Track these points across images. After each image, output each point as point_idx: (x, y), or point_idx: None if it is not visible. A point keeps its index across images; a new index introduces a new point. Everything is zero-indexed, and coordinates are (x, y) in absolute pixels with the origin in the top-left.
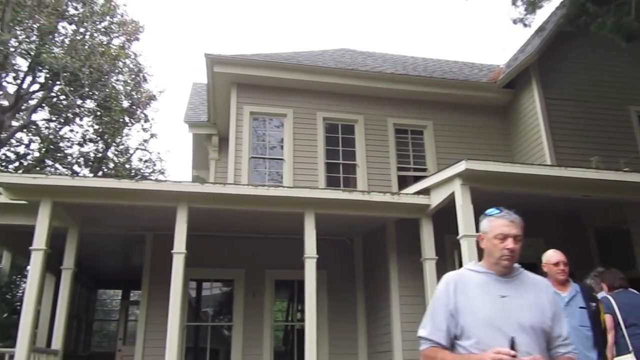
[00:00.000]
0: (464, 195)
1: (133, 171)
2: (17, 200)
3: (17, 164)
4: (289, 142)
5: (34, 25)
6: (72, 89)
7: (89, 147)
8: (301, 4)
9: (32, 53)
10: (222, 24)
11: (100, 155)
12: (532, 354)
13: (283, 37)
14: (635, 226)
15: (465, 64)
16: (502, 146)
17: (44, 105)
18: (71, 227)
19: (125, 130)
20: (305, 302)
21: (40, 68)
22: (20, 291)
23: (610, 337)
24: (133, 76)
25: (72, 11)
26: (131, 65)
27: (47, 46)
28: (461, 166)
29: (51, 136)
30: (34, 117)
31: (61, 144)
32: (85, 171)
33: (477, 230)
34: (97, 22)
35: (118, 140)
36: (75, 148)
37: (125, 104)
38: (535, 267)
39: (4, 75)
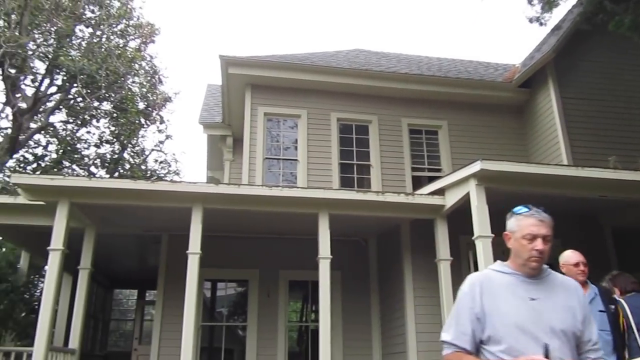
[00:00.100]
0: (479, 195)
1: (149, 172)
2: (35, 201)
3: (35, 165)
4: (303, 143)
5: (52, 29)
6: (89, 91)
7: (106, 149)
8: (315, 4)
9: (49, 56)
10: (236, 26)
11: (116, 156)
12: None
13: (297, 38)
14: None
15: (480, 63)
16: (517, 146)
17: (61, 107)
18: (88, 227)
19: (141, 132)
20: (320, 303)
21: (57, 71)
22: (38, 291)
23: None
24: (149, 78)
25: (89, 14)
26: (147, 68)
27: (64, 49)
28: (476, 166)
29: (68, 138)
30: (52, 119)
31: (78, 146)
32: (102, 172)
33: (492, 231)
34: (114, 25)
35: (134, 141)
36: (92, 149)
37: (141, 105)
38: (552, 268)
39: (22, 78)
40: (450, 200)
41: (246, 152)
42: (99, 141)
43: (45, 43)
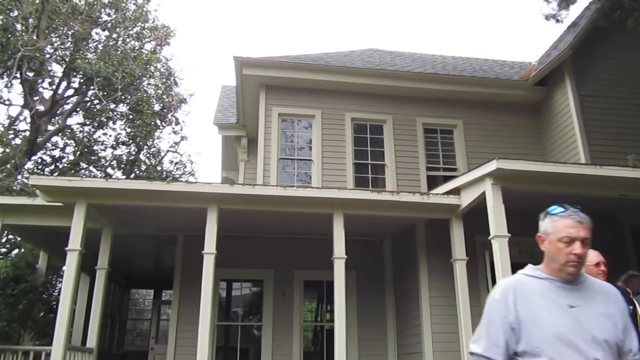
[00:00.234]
0: (495, 195)
1: (164, 173)
2: (53, 202)
3: (52, 167)
4: (318, 143)
5: (69, 32)
6: (105, 93)
7: (122, 150)
8: (329, 4)
9: (66, 59)
10: (250, 27)
11: (132, 157)
12: None
13: (311, 38)
14: None
15: (495, 61)
16: (533, 145)
17: (78, 109)
18: (105, 228)
19: (157, 133)
20: (335, 303)
21: (74, 73)
22: (56, 291)
23: None
24: (164, 80)
25: (105, 17)
26: (162, 70)
27: (81, 52)
28: (492, 165)
29: (85, 140)
30: (69, 121)
31: (95, 147)
32: (118, 173)
33: (508, 230)
34: (130, 28)
35: (150, 143)
36: (109, 151)
37: (157, 107)
38: None
39: (40, 81)
40: (466, 199)
41: (261, 152)
42: (115, 143)
43: (62, 46)
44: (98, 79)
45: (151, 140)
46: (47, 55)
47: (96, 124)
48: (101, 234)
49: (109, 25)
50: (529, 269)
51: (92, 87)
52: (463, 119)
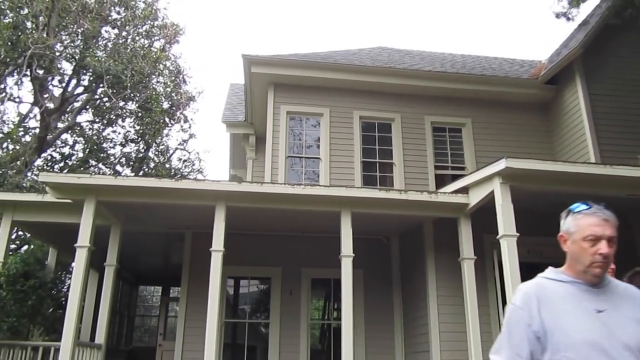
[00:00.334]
0: (503, 194)
1: (173, 171)
2: (63, 199)
3: (62, 164)
4: (326, 141)
5: (79, 30)
6: (114, 91)
7: (131, 148)
8: (339, 3)
9: (76, 57)
10: (259, 24)
11: (141, 155)
12: None
13: (320, 36)
14: None
15: (505, 60)
16: (543, 144)
17: (88, 107)
18: (114, 225)
19: (165, 131)
20: (342, 301)
21: (84, 71)
22: (65, 287)
23: None
24: (173, 78)
25: (114, 15)
26: (171, 68)
27: (91, 50)
28: (501, 164)
29: (95, 137)
30: (79, 118)
31: (104, 145)
32: (127, 171)
33: (517, 229)
34: (139, 26)
35: (158, 140)
36: (118, 148)
37: (166, 105)
38: None
39: (50, 78)
40: (474, 198)
41: (269, 150)
42: (124, 140)
43: (72, 44)
44: (107, 76)
45: (160, 137)
46: (57, 53)
47: (105, 122)
48: (110, 230)
49: (118, 23)
50: (551, 271)
51: (101, 85)
52: (472, 117)
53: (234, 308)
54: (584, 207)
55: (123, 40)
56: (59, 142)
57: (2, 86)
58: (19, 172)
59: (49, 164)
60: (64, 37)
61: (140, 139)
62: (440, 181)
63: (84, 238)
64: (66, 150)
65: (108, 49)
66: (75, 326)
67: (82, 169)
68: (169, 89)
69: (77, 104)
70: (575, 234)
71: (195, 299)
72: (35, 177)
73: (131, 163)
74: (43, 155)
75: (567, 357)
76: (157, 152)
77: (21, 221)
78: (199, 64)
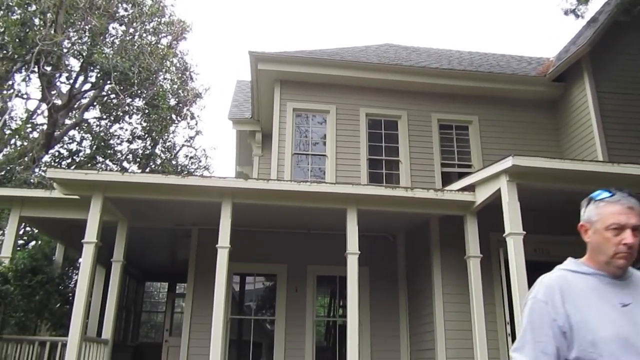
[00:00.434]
0: (510, 191)
1: (179, 167)
2: (70, 195)
3: (69, 160)
4: (332, 138)
5: (86, 27)
6: (122, 87)
7: (138, 144)
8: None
9: (84, 54)
10: (266, 21)
11: (148, 151)
12: None
13: (327, 33)
14: None
15: (512, 57)
16: (550, 142)
17: (95, 104)
18: (120, 221)
19: (172, 128)
20: (348, 298)
21: (91, 68)
22: (73, 282)
23: None
24: (180, 75)
25: (122, 12)
26: (178, 64)
27: (98, 47)
28: (508, 162)
29: (102, 134)
30: (86, 115)
31: (111, 141)
32: (134, 167)
33: (523, 227)
34: (146, 23)
35: (165, 137)
36: (125, 145)
37: (172, 102)
38: None
39: (57, 75)
40: (481, 196)
41: (275, 147)
42: (131, 137)
43: (79, 41)
44: (115, 73)
45: (166, 134)
46: (65, 50)
47: (112, 118)
48: (117, 227)
49: (125, 20)
50: (571, 263)
51: (109, 82)
52: (479, 115)
53: (240, 304)
54: (606, 194)
55: (130, 37)
56: (66, 138)
57: (10, 83)
58: (26, 168)
59: (57, 160)
60: (71, 34)
61: (147, 135)
62: (447, 179)
63: (91, 234)
64: (73, 146)
65: (115, 45)
66: (82, 321)
67: (89, 165)
68: (175, 86)
69: (84, 101)
70: (597, 223)
71: (201, 296)
72: (42, 173)
73: (138, 160)
74: (50, 151)
75: (594, 352)
76: (163, 149)
77: (29, 217)
78: (205, 61)
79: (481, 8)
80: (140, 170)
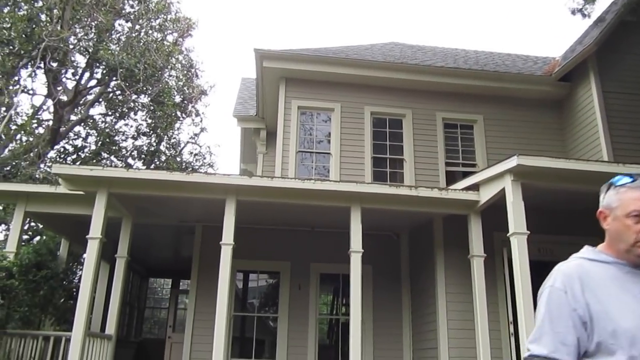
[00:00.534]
0: (515, 191)
1: (184, 164)
2: (75, 190)
3: (75, 156)
4: (336, 136)
5: (92, 23)
6: (127, 84)
7: (142, 141)
8: None
9: (90, 50)
10: (271, 19)
11: (152, 148)
12: None
13: (332, 31)
14: None
15: (518, 56)
16: (555, 141)
17: (100, 100)
18: (125, 217)
19: (177, 125)
20: (351, 297)
21: (97, 64)
22: (77, 278)
23: None
24: (185, 72)
25: (128, 9)
26: (183, 61)
27: (104, 43)
28: (513, 161)
29: (107, 130)
30: (92, 111)
31: (116, 138)
32: (139, 164)
33: (528, 227)
34: (152, 20)
35: (170, 134)
36: (130, 141)
37: (178, 99)
38: None
39: (63, 71)
40: (485, 195)
41: (279, 145)
42: (136, 133)
43: (85, 37)
44: (121, 70)
45: (171, 131)
46: (71, 46)
47: (118, 115)
48: (121, 223)
49: (132, 16)
50: (589, 251)
51: (114, 78)
52: (484, 114)
53: (243, 302)
54: (627, 179)
55: (136, 33)
56: (71, 134)
57: (16, 78)
58: (32, 163)
59: (62, 156)
60: (77, 30)
61: (152, 132)
62: (451, 178)
63: (96, 230)
64: (79, 142)
65: (121, 42)
66: (86, 317)
67: (94, 161)
68: (181, 83)
69: (90, 97)
70: (617, 210)
71: (205, 292)
72: (48, 169)
73: (143, 156)
74: (56, 147)
75: (614, 345)
76: (168, 146)
77: (34, 212)
78: (211, 58)
79: (487, 7)
80: (145, 167)
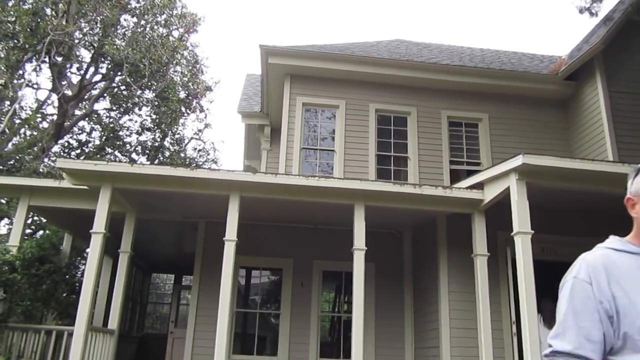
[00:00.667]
0: (519, 190)
1: (188, 160)
2: (79, 185)
3: (79, 151)
4: (341, 134)
5: (98, 18)
6: (132, 79)
7: (147, 136)
8: None
9: (95, 45)
10: (277, 15)
11: (157, 144)
12: None
13: (338, 28)
14: None
15: (524, 54)
16: (560, 141)
17: (105, 95)
18: (128, 212)
19: (181, 120)
20: (353, 294)
21: (102, 59)
22: (80, 272)
23: None
24: (190, 67)
25: (133, 4)
26: (189, 57)
27: (109, 38)
28: (518, 160)
29: (111, 125)
30: (96, 106)
31: (121, 133)
32: (143, 159)
33: (532, 226)
34: (158, 15)
35: (174, 129)
36: (134, 137)
37: (182, 94)
38: None
39: (68, 66)
40: (489, 194)
41: (283, 141)
42: (140, 129)
43: (91, 32)
44: (126, 65)
45: (176, 127)
46: (76, 41)
47: (122, 110)
48: (125, 218)
49: (137, 11)
50: (615, 241)
51: (119, 73)
52: (489, 112)
53: (245, 298)
54: None
55: (142, 28)
56: (76, 129)
57: (21, 72)
58: (36, 158)
59: (66, 150)
60: (83, 25)
61: (156, 127)
62: (455, 176)
63: (100, 224)
64: (83, 137)
65: (127, 37)
66: (88, 311)
67: (98, 156)
68: (186, 79)
69: (94, 92)
70: None
71: (207, 288)
72: (52, 163)
73: (147, 151)
74: (60, 141)
75: None
76: (172, 141)
77: (37, 206)
78: (216, 54)
79: (494, 5)
80: (149, 162)
